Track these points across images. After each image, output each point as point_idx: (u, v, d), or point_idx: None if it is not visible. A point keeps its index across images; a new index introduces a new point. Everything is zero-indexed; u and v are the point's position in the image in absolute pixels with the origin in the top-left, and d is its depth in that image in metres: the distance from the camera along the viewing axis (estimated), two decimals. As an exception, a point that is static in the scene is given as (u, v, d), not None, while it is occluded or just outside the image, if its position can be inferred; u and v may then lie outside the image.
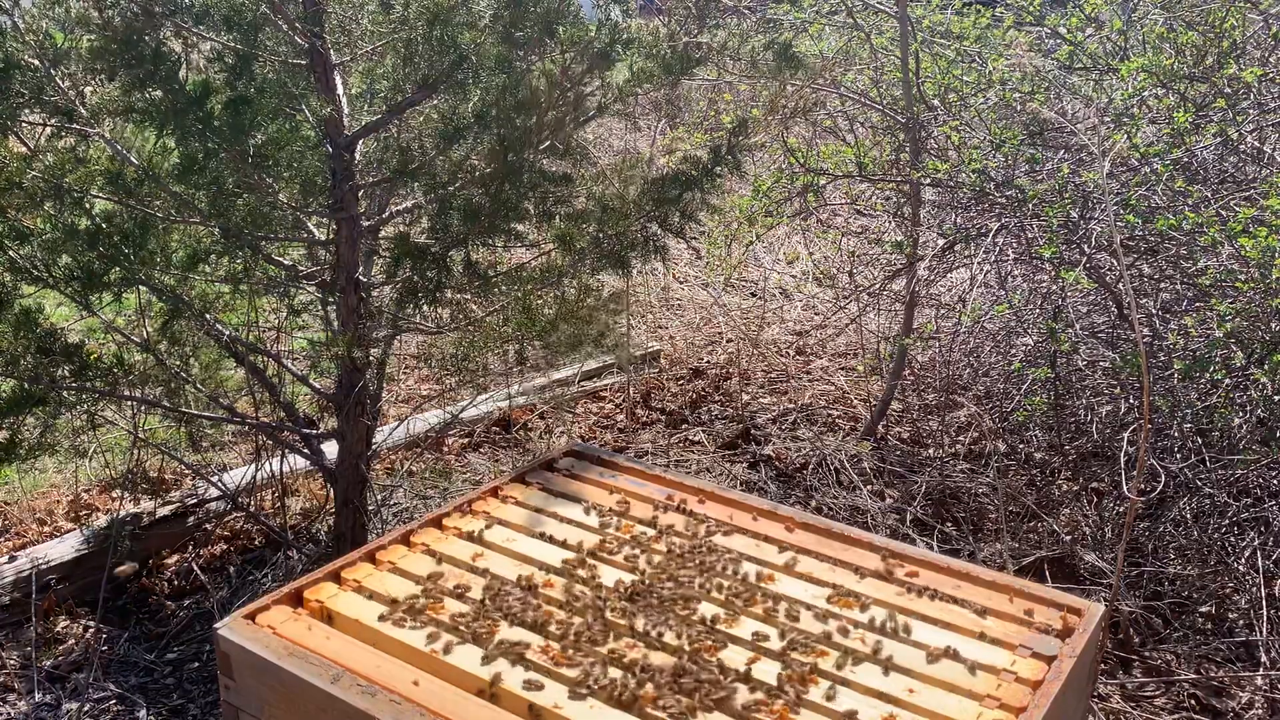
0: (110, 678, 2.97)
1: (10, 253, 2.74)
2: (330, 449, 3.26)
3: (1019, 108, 4.08)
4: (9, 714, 2.84)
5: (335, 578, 2.13)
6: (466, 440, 4.49)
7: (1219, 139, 3.43)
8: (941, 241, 4.08)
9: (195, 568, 3.43)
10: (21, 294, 2.85)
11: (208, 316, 2.98)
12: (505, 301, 2.99)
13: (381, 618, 2.00)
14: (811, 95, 4.05)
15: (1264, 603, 2.93)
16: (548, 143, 2.80)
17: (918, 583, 2.11)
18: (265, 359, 3.24)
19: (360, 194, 2.89)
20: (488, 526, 2.34)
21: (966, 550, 3.45)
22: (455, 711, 1.73)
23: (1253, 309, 3.00)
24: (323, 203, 2.84)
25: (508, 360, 3.16)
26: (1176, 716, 2.79)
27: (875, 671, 1.84)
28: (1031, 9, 4.27)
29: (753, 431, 4.50)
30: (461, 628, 1.95)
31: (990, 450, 3.97)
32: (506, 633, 1.94)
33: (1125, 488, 2.95)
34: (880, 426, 4.39)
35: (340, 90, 2.76)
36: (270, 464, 3.57)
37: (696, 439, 4.49)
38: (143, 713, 2.86)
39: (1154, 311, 3.47)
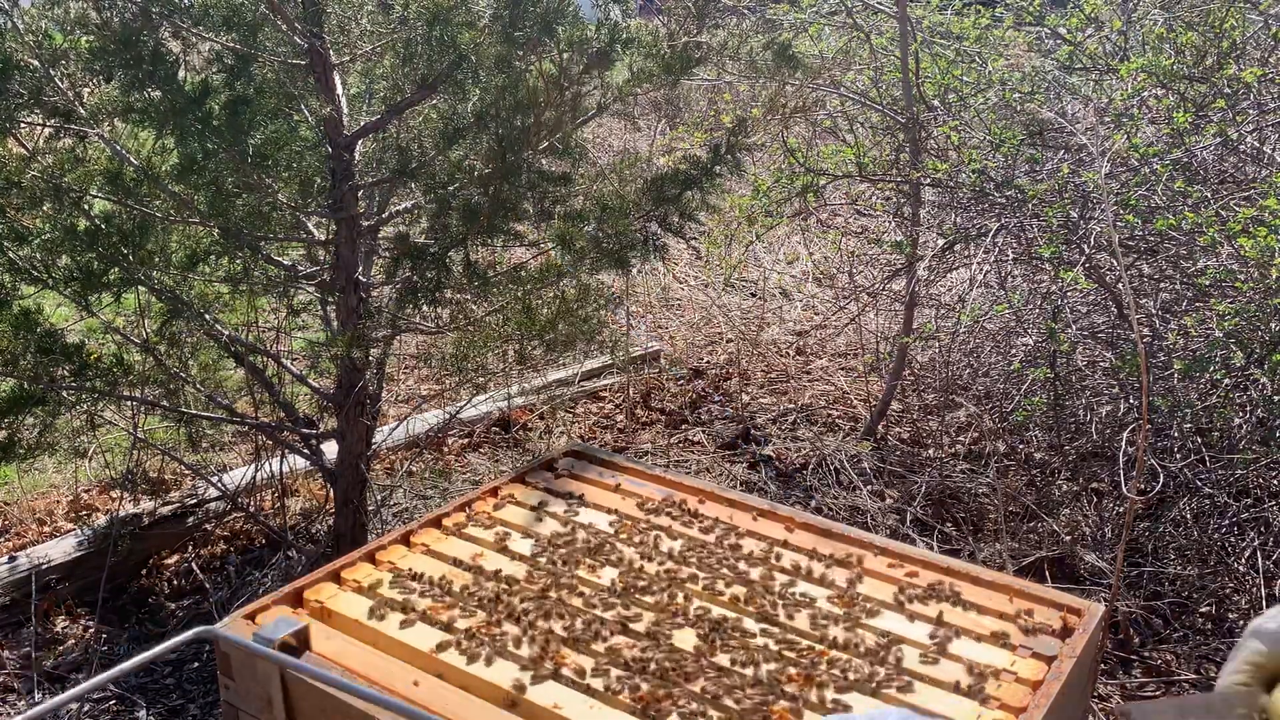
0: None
1: (9, 253, 2.74)
2: (330, 449, 3.26)
3: (1019, 108, 4.07)
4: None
5: (335, 578, 2.13)
6: (466, 440, 4.49)
7: (1219, 139, 3.43)
8: (941, 241, 4.08)
9: (195, 568, 3.43)
10: (21, 294, 2.85)
11: (207, 317, 2.98)
12: (505, 301, 2.99)
13: (381, 618, 1.99)
14: (811, 95, 4.05)
15: (1264, 603, 2.93)
16: (546, 143, 2.80)
17: (917, 583, 2.11)
18: (265, 359, 3.24)
19: (359, 194, 2.89)
20: (488, 526, 2.33)
21: (966, 550, 3.44)
22: (455, 711, 1.73)
23: (1252, 309, 3.00)
24: (322, 203, 2.84)
25: (507, 360, 3.16)
26: (1176, 716, 2.79)
27: (875, 671, 1.84)
28: (1031, 9, 4.27)
29: (753, 431, 4.49)
30: (461, 627, 1.95)
31: (990, 450, 3.97)
32: (506, 632, 1.93)
33: (1125, 488, 2.94)
34: (880, 426, 4.39)
35: (339, 90, 2.76)
36: (270, 464, 3.57)
37: (696, 439, 4.48)
38: (142, 713, 2.86)
39: (1154, 311, 3.47)
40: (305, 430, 3.19)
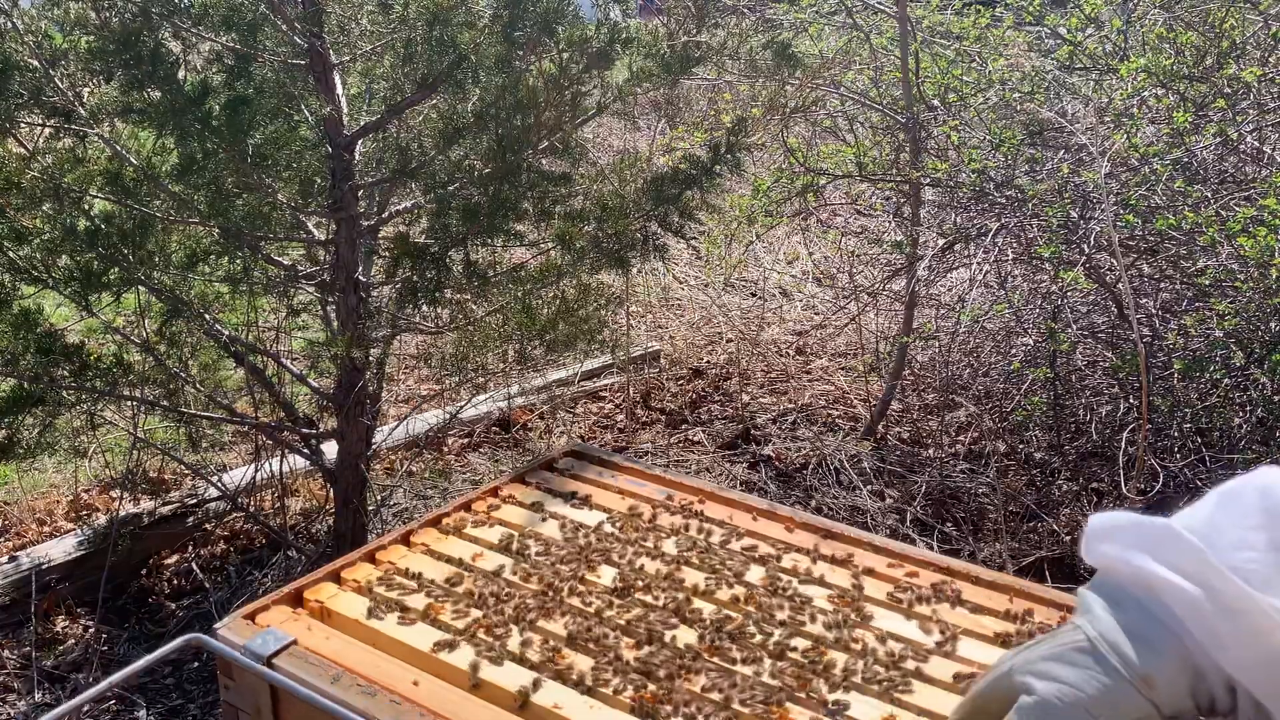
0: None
1: (10, 253, 2.75)
2: (330, 449, 3.26)
3: (1019, 108, 4.08)
4: (9, 714, 2.84)
5: (335, 578, 2.13)
6: (466, 440, 4.49)
7: (1219, 139, 3.43)
8: (941, 241, 4.08)
9: (195, 568, 3.43)
10: (21, 294, 2.85)
11: (207, 317, 2.98)
12: (505, 301, 2.99)
13: (381, 617, 1.99)
14: (811, 95, 4.05)
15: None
16: (546, 142, 2.80)
17: (918, 583, 2.11)
18: (265, 359, 3.24)
19: (359, 194, 2.89)
20: (488, 526, 2.33)
21: (966, 550, 3.44)
22: (455, 712, 1.73)
23: (1252, 309, 3.00)
24: (322, 203, 2.84)
25: (507, 360, 3.16)
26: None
27: (875, 672, 1.84)
28: (1031, 9, 4.27)
29: (753, 431, 4.49)
30: (461, 627, 1.95)
31: (990, 450, 3.97)
32: (506, 633, 1.93)
33: (1125, 488, 2.95)
34: (880, 426, 4.39)
35: (339, 90, 2.76)
36: (270, 464, 3.56)
37: (696, 439, 4.48)
38: (142, 713, 2.86)
39: (1154, 311, 3.48)
40: (305, 430, 3.19)
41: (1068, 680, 0.87)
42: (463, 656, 1.87)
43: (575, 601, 2.03)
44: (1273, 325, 3.02)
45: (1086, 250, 3.28)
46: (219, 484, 3.47)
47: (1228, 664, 0.86)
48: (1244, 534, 0.88)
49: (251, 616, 1.97)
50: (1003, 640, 1.93)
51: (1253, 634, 0.84)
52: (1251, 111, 3.64)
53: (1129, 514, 0.96)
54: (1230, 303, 3.06)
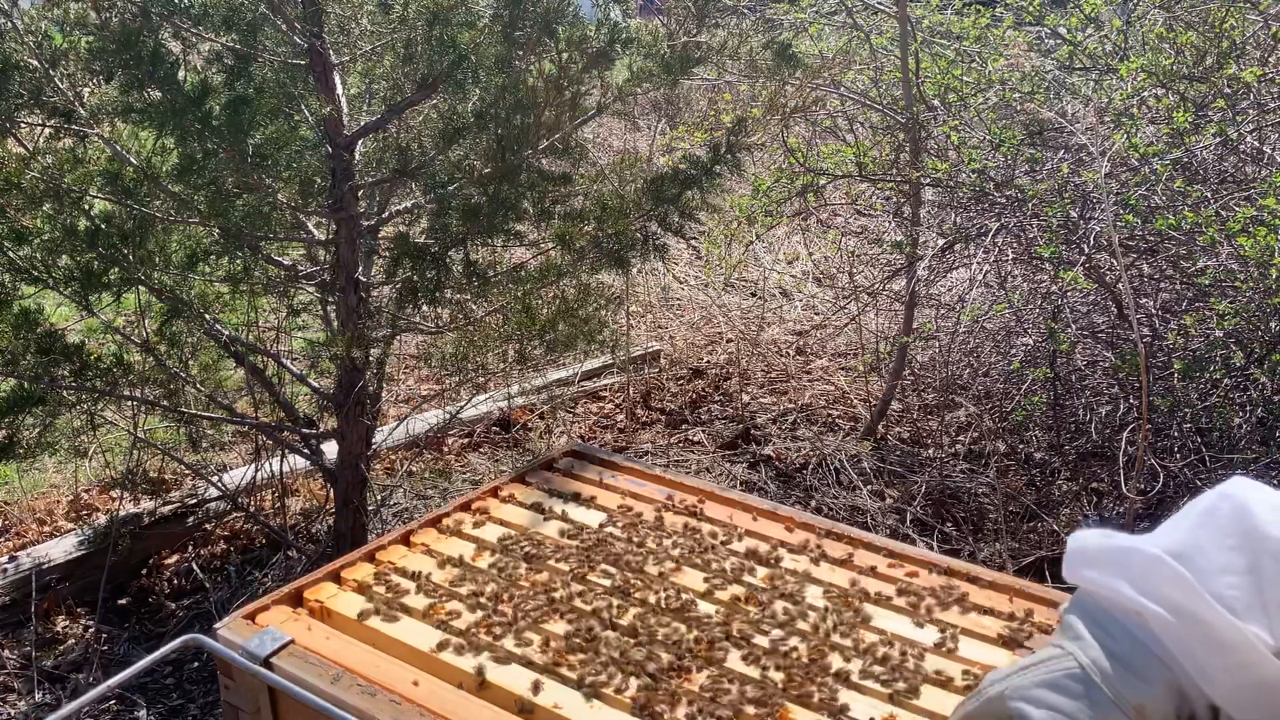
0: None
1: (10, 253, 2.75)
2: (330, 449, 3.26)
3: (1019, 108, 4.08)
4: (9, 714, 2.84)
5: (335, 578, 2.13)
6: (466, 440, 4.49)
7: (1219, 139, 3.43)
8: (941, 241, 4.08)
9: (195, 568, 3.43)
10: (21, 294, 2.85)
11: (207, 317, 2.98)
12: (505, 301, 2.99)
13: (381, 617, 2.00)
14: (811, 95, 4.05)
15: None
16: (546, 142, 2.80)
17: (917, 583, 2.11)
18: (265, 359, 3.24)
19: (360, 194, 2.89)
20: (488, 526, 2.34)
21: (966, 550, 3.44)
22: (455, 711, 1.73)
23: (1252, 309, 3.00)
24: (322, 203, 2.84)
25: (507, 360, 3.16)
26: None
27: (875, 671, 1.84)
28: (1031, 9, 4.27)
29: (753, 431, 4.49)
30: (461, 627, 1.95)
31: (990, 450, 3.97)
32: (506, 632, 1.93)
33: (1125, 488, 2.95)
34: (880, 426, 4.39)
35: (339, 90, 2.75)
36: (270, 464, 3.56)
37: (696, 439, 4.48)
38: (142, 713, 2.86)
39: (1154, 311, 3.47)
40: (305, 430, 3.19)
41: (1061, 709, 0.90)
42: (463, 657, 1.87)
43: (576, 602, 2.03)
44: (1273, 325, 3.02)
45: (1086, 250, 3.28)
46: (219, 484, 3.46)
47: (1214, 694, 0.88)
48: (1224, 557, 0.90)
49: (251, 616, 1.98)
50: (1004, 641, 1.93)
51: (1240, 666, 0.87)
52: (1251, 111, 3.64)
53: (1113, 537, 0.97)
54: (1230, 303, 3.06)
